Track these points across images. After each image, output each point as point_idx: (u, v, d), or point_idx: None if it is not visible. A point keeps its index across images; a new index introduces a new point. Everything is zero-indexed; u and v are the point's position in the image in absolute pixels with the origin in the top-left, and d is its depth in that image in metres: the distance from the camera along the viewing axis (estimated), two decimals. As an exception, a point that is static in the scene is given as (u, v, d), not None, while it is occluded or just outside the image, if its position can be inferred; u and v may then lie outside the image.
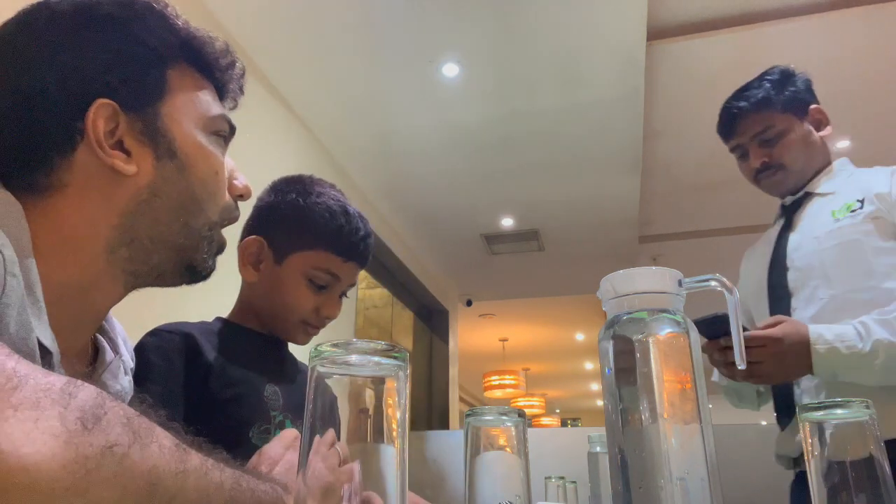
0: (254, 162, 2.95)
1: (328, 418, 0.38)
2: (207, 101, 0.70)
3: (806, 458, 0.53)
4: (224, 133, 0.71)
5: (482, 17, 2.72)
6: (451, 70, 3.07)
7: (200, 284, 0.73)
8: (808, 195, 1.45)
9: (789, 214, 1.46)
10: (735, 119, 1.46)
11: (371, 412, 0.38)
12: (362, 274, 5.10)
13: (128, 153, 0.63)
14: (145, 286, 0.68)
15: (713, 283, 0.48)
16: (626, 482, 0.40)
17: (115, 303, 0.67)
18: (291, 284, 1.07)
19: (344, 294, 1.13)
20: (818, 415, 0.53)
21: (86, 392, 0.43)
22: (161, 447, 0.45)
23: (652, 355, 0.41)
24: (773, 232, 1.49)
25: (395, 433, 0.38)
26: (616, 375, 0.42)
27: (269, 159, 3.01)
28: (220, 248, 0.72)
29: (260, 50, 2.84)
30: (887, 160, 4.46)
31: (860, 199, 1.33)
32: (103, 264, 0.62)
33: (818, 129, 1.48)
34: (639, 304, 0.43)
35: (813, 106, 1.48)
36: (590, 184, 4.07)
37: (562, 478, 1.33)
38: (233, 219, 0.73)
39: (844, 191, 1.40)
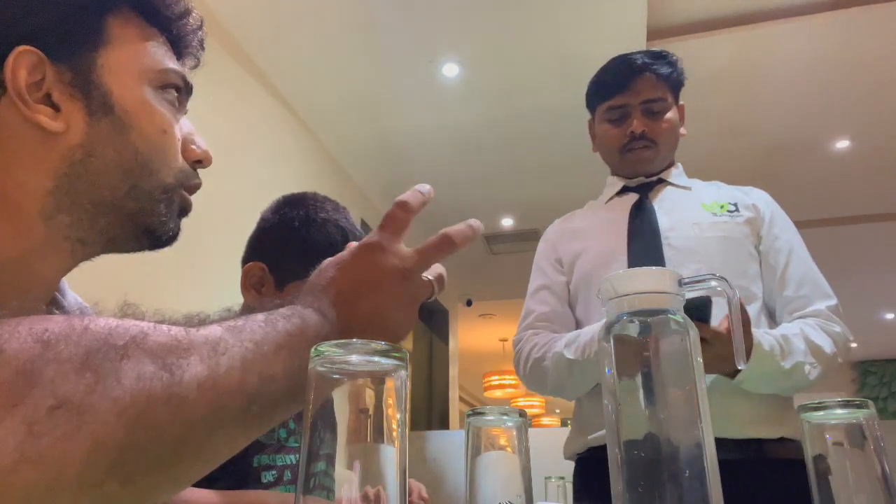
0: (254, 162, 2.95)
1: (326, 418, 0.38)
2: (156, 53, 0.62)
3: (806, 457, 0.53)
4: (175, 87, 0.64)
5: (482, 17, 2.72)
6: (451, 70, 3.07)
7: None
8: (662, 182, 1.46)
9: (644, 193, 1.44)
10: (636, 75, 1.41)
11: (371, 412, 0.38)
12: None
13: (56, 108, 0.56)
14: (98, 254, 0.62)
15: (713, 283, 0.48)
16: (626, 482, 0.40)
17: (65, 273, 0.62)
18: None
19: None
20: (818, 415, 0.53)
21: (12, 344, 0.36)
22: (140, 375, 0.39)
23: (652, 355, 0.41)
24: (616, 209, 1.45)
25: (395, 433, 0.38)
26: (616, 375, 0.42)
27: (270, 159, 3.02)
28: (184, 210, 0.65)
29: (260, 49, 2.84)
30: (887, 160, 4.46)
31: (733, 202, 1.39)
32: (41, 231, 0.56)
33: (680, 124, 1.48)
34: (639, 304, 0.43)
35: (681, 102, 1.49)
36: (590, 184, 4.06)
37: (562, 478, 1.33)
38: (193, 186, 0.66)
39: (704, 191, 1.44)
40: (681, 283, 0.44)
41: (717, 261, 1.30)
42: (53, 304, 0.65)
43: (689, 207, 1.39)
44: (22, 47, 0.55)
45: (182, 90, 0.65)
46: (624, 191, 1.48)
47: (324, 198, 1.17)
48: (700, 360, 0.42)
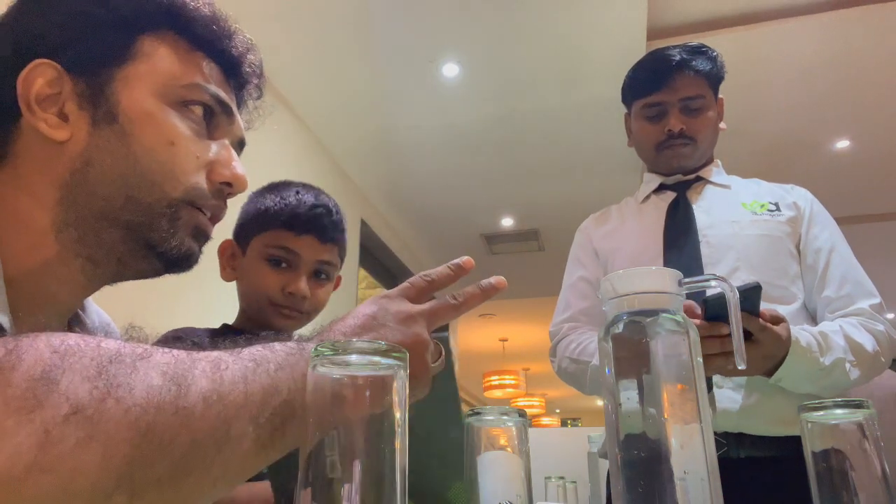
0: (253, 162, 2.95)
1: (330, 414, 0.38)
2: (185, 70, 0.62)
3: (806, 457, 0.53)
4: (204, 105, 0.63)
5: (482, 17, 2.72)
6: (451, 70, 3.07)
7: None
8: (700, 180, 1.43)
9: (682, 192, 1.42)
10: (673, 72, 1.37)
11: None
12: (362, 274, 5.00)
13: (66, 118, 0.57)
14: (113, 279, 0.62)
15: (713, 283, 0.48)
16: (626, 482, 0.40)
17: (82, 294, 0.62)
18: (254, 268, 1.11)
19: (321, 275, 1.14)
20: (818, 415, 0.53)
21: (31, 354, 0.37)
22: (149, 387, 0.39)
23: (652, 355, 0.41)
24: (652, 208, 1.44)
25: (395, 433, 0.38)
26: (616, 375, 0.42)
27: (269, 159, 3.01)
28: (198, 232, 0.62)
29: (260, 49, 2.83)
30: (887, 160, 4.45)
31: (774, 201, 1.36)
32: (53, 245, 0.57)
33: (719, 119, 1.45)
34: (639, 304, 0.43)
35: (720, 96, 1.45)
36: (590, 184, 4.07)
37: (562, 478, 1.33)
38: (213, 208, 0.63)
39: (744, 189, 1.41)
40: (681, 283, 0.44)
41: (756, 258, 1.28)
42: (76, 320, 0.65)
43: (728, 206, 1.36)
44: (39, 60, 0.56)
45: (216, 111, 0.64)
46: (661, 189, 1.46)
47: (298, 182, 1.19)
48: (700, 360, 0.42)
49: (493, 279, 0.60)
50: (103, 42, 0.58)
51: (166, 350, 0.43)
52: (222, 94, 0.64)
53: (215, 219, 0.65)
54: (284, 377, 0.46)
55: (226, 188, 0.64)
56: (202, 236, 0.63)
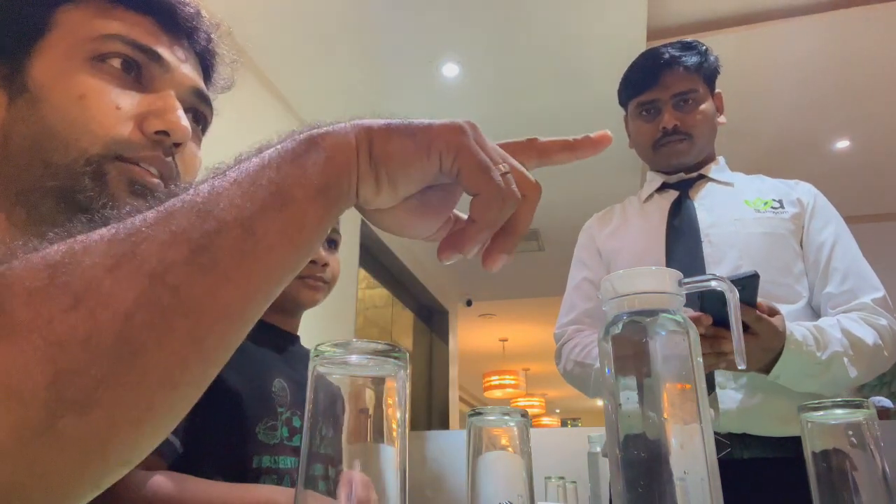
0: (254, 162, 2.95)
1: (329, 415, 0.38)
2: (97, 24, 0.57)
3: (806, 457, 0.53)
4: (124, 57, 0.58)
5: (482, 17, 2.72)
6: (451, 70, 3.07)
7: None
8: (703, 177, 1.43)
9: (684, 190, 1.42)
10: (664, 69, 1.38)
11: (371, 412, 0.38)
12: (362, 274, 4.99)
13: None
14: None
15: (713, 283, 0.48)
16: (626, 482, 0.40)
17: None
18: None
19: (332, 243, 1.14)
20: (818, 415, 0.53)
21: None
22: (94, 272, 0.32)
23: (652, 355, 0.41)
24: (655, 207, 1.44)
25: (395, 433, 0.38)
26: (616, 375, 0.42)
27: (269, 159, 3.01)
28: (140, 188, 0.55)
29: (259, 49, 2.84)
30: (887, 160, 4.44)
31: (777, 199, 1.36)
32: (6, 228, 0.55)
33: (718, 113, 1.45)
34: (639, 304, 0.43)
35: (718, 90, 1.45)
36: (589, 183, 4.07)
37: (562, 478, 1.33)
38: (153, 161, 0.57)
39: (747, 187, 1.41)
40: (680, 283, 0.44)
41: (759, 256, 1.26)
42: None
43: (730, 204, 1.36)
44: None
45: (142, 61, 0.59)
46: (663, 188, 1.46)
47: None
48: (700, 360, 0.42)
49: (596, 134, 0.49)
50: (18, 20, 0.56)
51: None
52: (146, 43, 0.59)
53: (166, 177, 0.58)
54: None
55: (164, 138, 0.57)
56: (145, 191, 0.55)
